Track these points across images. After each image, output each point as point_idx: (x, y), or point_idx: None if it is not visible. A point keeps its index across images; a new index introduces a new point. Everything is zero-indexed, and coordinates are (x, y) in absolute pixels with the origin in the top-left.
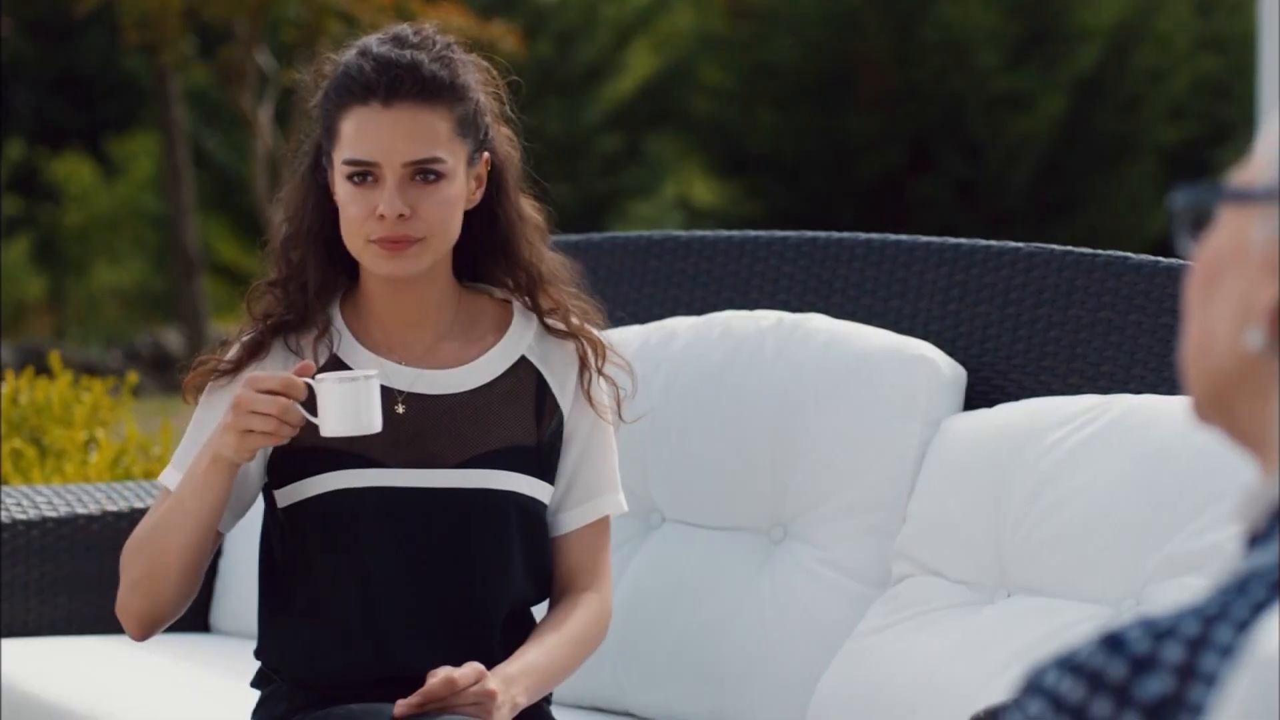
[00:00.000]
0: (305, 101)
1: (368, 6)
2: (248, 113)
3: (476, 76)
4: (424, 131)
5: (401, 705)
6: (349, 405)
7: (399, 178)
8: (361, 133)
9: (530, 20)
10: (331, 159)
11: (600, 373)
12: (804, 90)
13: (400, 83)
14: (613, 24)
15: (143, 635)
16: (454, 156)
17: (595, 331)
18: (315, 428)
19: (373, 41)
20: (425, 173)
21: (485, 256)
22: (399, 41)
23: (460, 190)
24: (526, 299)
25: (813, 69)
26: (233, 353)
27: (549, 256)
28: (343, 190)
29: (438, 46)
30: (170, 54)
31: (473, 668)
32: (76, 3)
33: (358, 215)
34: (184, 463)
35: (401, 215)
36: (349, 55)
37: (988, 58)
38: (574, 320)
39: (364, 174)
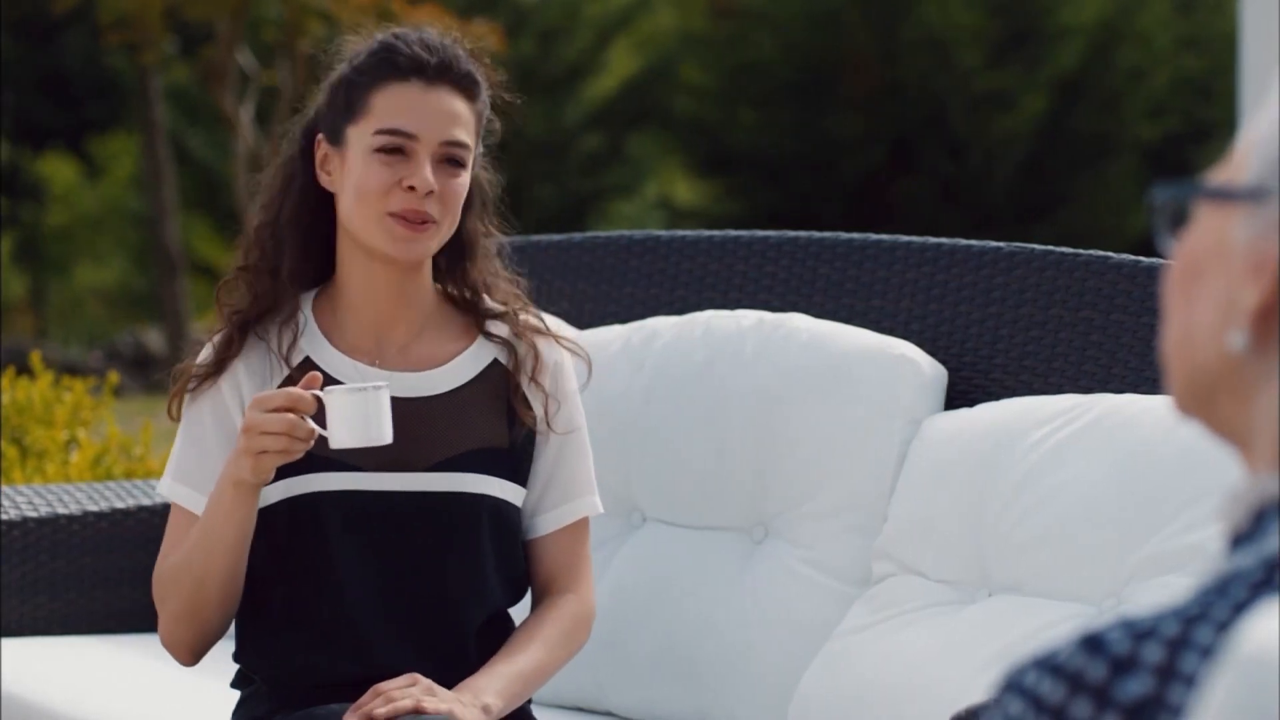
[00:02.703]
0: (319, 78)
1: (347, 7)
2: (229, 112)
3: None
4: (460, 116)
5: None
6: (359, 416)
7: (431, 155)
8: (402, 106)
9: (511, 19)
10: (344, 135)
11: (534, 381)
12: (786, 89)
13: (448, 67)
14: (594, 23)
15: (193, 661)
16: (473, 150)
17: (541, 340)
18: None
19: (408, 29)
20: (453, 158)
21: (439, 263)
22: (438, 37)
23: (468, 185)
24: (469, 313)
25: (794, 68)
26: (205, 355)
27: (501, 275)
28: (364, 162)
29: (466, 51)
30: (151, 54)
31: (405, 678)
32: (55, 1)
33: (379, 186)
34: (180, 471)
35: (431, 191)
36: (383, 36)
37: (969, 57)
38: (521, 322)
39: (396, 146)
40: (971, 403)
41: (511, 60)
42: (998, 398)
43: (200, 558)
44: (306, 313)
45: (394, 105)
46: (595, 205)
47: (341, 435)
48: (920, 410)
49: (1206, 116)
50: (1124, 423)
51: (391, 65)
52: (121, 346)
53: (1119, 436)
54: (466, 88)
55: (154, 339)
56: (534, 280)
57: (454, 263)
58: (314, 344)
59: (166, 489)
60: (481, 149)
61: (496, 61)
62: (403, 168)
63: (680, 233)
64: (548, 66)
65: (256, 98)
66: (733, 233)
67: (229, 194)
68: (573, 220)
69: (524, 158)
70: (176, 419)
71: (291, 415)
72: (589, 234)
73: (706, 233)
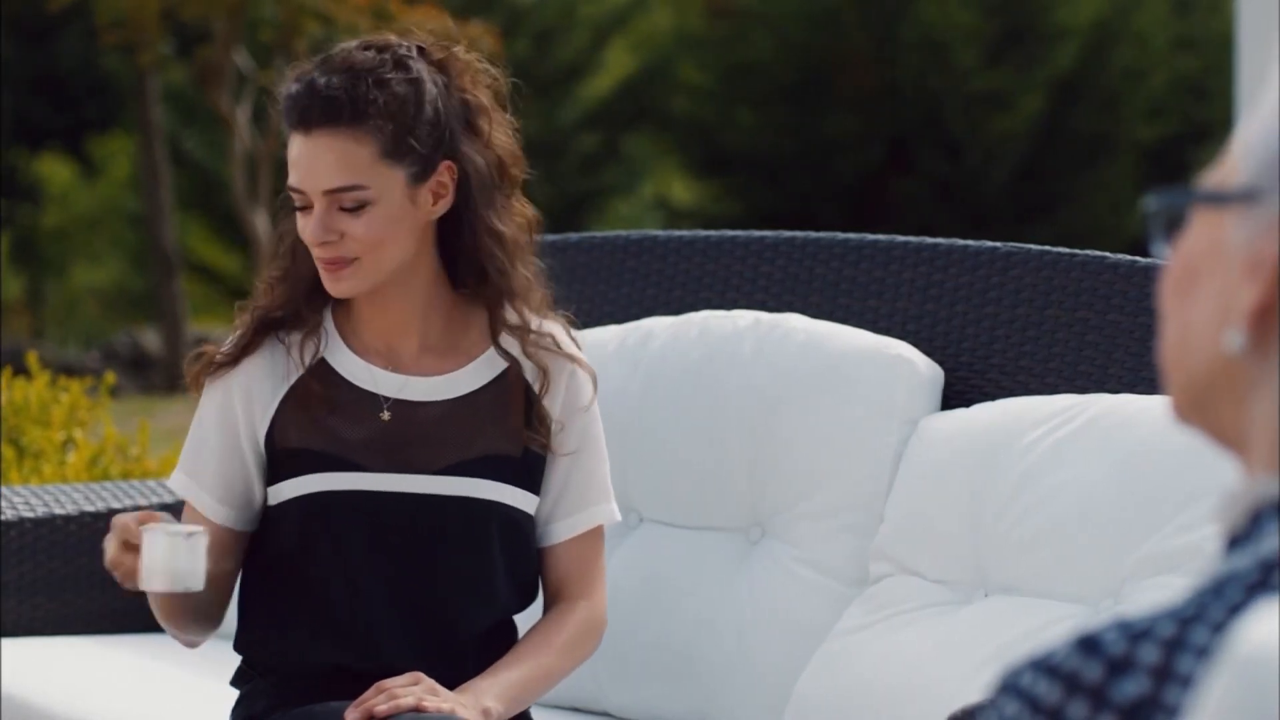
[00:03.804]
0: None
1: (345, 7)
2: (226, 113)
3: (428, 90)
4: (341, 159)
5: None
6: (168, 559)
7: (324, 205)
8: (293, 160)
9: (508, 20)
10: None
11: (540, 404)
12: (783, 89)
13: (309, 112)
14: (591, 23)
15: (192, 646)
16: (381, 180)
17: (550, 358)
18: (297, 424)
19: (314, 64)
20: (349, 198)
21: (455, 263)
22: (328, 65)
23: (395, 211)
24: (485, 320)
25: (791, 68)
26: (227, 345)
27: (519, 273)
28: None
29: (370, 65)
30: (148, 54)
31: (408, 676)
32: (51, 0)
33: (302, 235)
34: (188, 464)
35: (326, 242)
36: (295, 74)
37: (966, 57)
38: (528, 347)
39: (300, 199)
40: (968, 403)
41: (508, 61)
42: (994, 398)
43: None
44: (326, 315)
45: (292, 159)
46: (592, 205)
47: (149, 576)
48: (917, 410)
49: (1204, 117)
50: (1121, 423)
51: (286, 114)
52: (118, 347)
53: (1116, 437)
54: (348, 122)
55: (151, 339)
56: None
57: (466, 261)
58: (330, 346)
59: (172, 478)
60: (452, 144)
61: (493, 61)
62: (308, 218)
63: (676, 233)
64: (544, 67)
65: (253, 98)
66: (729, 233)
67: (226, 194)
68: (570, 220)
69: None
70: (195, 396)
71: (112, 553)
72: (585, 234)
73: (703, 233)
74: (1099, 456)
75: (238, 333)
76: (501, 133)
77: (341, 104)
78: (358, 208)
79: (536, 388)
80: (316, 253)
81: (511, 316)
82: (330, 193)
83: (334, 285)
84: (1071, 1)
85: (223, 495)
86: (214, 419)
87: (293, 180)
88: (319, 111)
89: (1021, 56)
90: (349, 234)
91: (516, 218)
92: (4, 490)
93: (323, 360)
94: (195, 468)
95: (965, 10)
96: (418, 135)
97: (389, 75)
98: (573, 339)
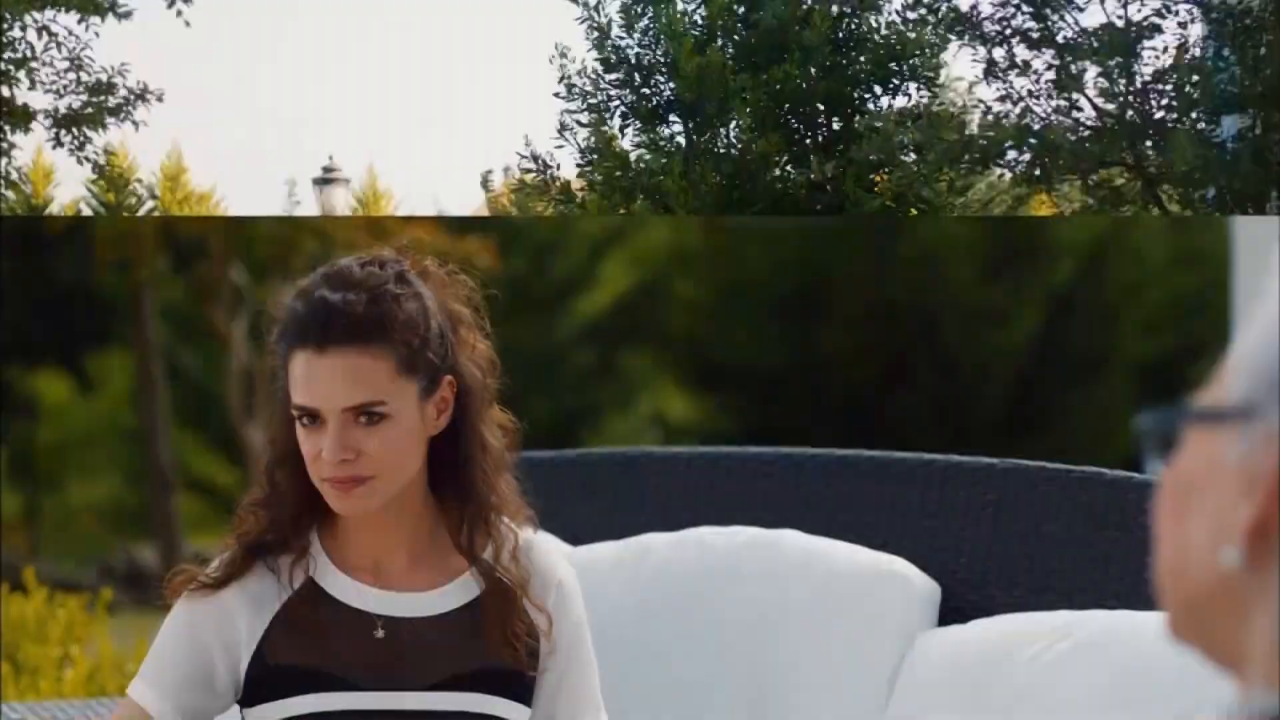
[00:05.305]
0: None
1: (342, 223)
2: (222, 329)
3: (430, 305)
4: (362, 376)
5: None
6: None
7: (340, 422)
8: (302, 378)
9: (505, 235)
10: (289, 398)
11: (532, 602)
12: (779, 305)
13: (330, 329)
14: (588, 239)
15: None
16: (399, 396)
17: (536, 571)
18: (289, 647)
19: (316, 280)
20: (368, 414)
21: (441, 478)
22: (337, 281)
23: (410, 426)
24: (465, 534)
25: (787, 282)
26: (214, 568)
27: (503, 488)
28: (297, 428)
29: (380, 281)
30: (145, 271)
31: None
32: (49, 220)
33: (309, 455)
34: (151, 675)
35: (344, 460)
36: (290, 297)
37: (963, 272)
38: (502, 565)
39: (310, 417)
40: (965, 618)
41: (504, 276)
42: (991, 613)
43: None
44: (312, 536)
45: (298, 377)
46: (588, 421)
47: None
48: (914, 626)
49: (1201, 334)
50: (1118, 639)
51: (288, 335)
52: (115, 563)
53: (1113, 653)
54: (367, 339)
55: (148, 555)
56: (527, 497)
57: (455, 476)
58: (318, 566)
59: (134, 691)
60: (452, 359)
61: (487, 279)
62: (320, 436)
63: (672, 449)
64: (541, 282)
65: (250, 314)
66: (725, 449)
67: (222, 410)
68: (565, 435)
69: (516, 373)
70: (166, 608)
71: None
72: (581, 450)
73: (698, 449)
74: (1097, 672)
75: (225, 556)
76: (481, 342)
77: (363, 321)
78: (377, 422)
79: (524, 601)
80: (329, 472)
81: (495, 529)
82: (350, 409)
83: (343, 504)
84: (1067, 217)
85: (177, 704)
86: (183, 634)
87: (304, 399)
88: (340, 329)
89: (1019, 272)
90: (365, 451)
91: (497, 428)
92: (2, 707)
93: (312, 581)
94: (152, 675)
95: (961, 225)
96: (429, 350)
97: (399, 291)
98: (552, 548)
